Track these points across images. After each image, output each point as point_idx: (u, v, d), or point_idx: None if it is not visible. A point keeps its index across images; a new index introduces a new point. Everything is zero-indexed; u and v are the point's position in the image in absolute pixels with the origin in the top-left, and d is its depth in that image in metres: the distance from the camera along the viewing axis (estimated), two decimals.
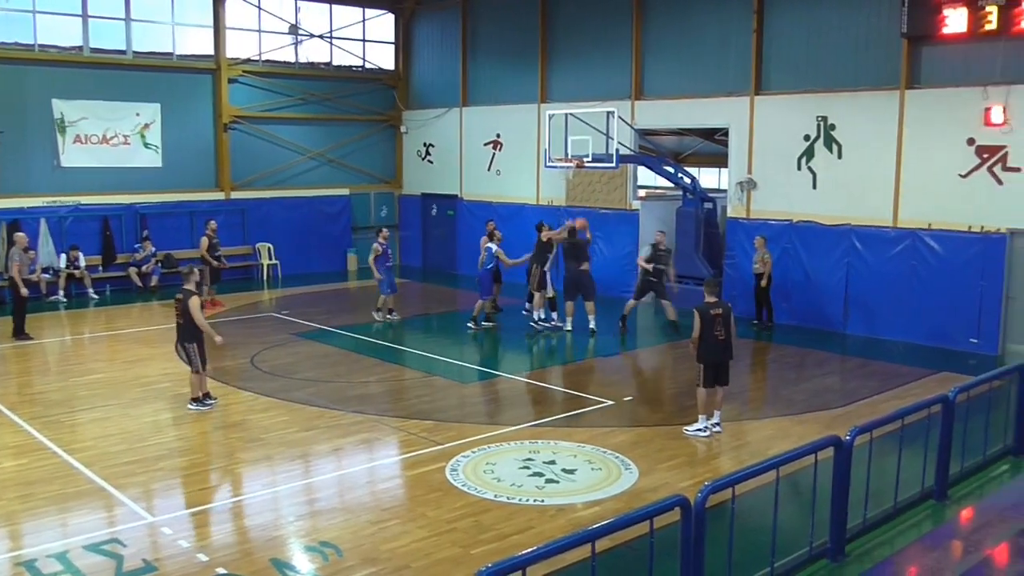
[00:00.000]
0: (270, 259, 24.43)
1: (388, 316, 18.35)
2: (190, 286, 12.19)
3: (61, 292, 20.84)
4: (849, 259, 17.37)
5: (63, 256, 21.13)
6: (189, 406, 12.24)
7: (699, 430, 11.15)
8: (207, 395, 12.44)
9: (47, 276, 20.79)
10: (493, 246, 17.66)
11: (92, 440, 11.08)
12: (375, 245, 18.25)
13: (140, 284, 21.90)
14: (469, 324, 17.53)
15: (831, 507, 7.38)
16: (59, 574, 7.50)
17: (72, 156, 21.87)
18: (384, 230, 18.88)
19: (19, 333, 16.69)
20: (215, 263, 19.63)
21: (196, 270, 12.55)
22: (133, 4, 22.55)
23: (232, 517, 9.00)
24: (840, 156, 17.46)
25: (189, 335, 12.10)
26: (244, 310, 19.88)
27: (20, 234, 17.36)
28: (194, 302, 12.01)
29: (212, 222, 20.06)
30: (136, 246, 22.33)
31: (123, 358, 15.37)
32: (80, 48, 22.02)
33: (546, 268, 17.27)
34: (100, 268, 21.99)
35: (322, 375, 14.19)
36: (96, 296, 21.17)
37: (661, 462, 10.20)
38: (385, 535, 8.25)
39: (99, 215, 22.09)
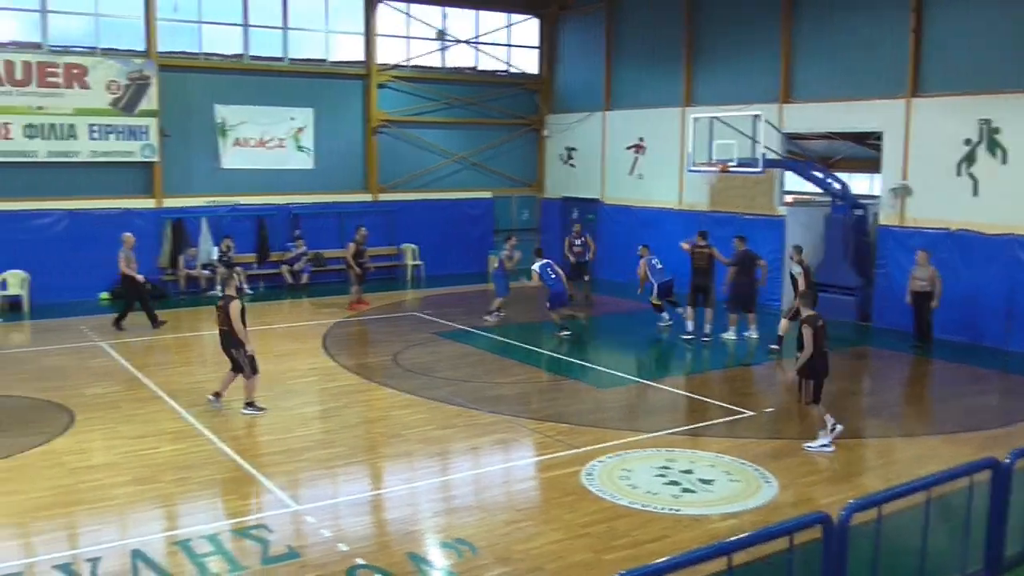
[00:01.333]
0: (414, 260, 24.99)
1: (493, 314, 18.51)
2: (230, 291, 12.25)
3: (219, 288, 21.87)
4: (1013, 271, 16.42)
5: (216, 249, 22.21)
6: (243, 411, 12.11)
7: (823, 446, 10.76)
8: (251, 403, 12.22)
9: (207, 272, 21.93)
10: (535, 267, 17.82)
11: (244, 429, 11.60)
12: (504, 253, 18.95)
13: (291, 281, 22.79)
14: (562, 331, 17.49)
15: (987, 533, 7.00)
16: (210, 555, 7.88)
17: (231, 158, 23.00)
18: (512, 237, 19.24)
19: (154, 322, 17.68)
20: (358, 269, 20.01)
21: (235, 275, 12.65)
22: (290, 13, 23.51)
23: (371, 509, 9.26)
24: (1005, 161, 16.54)
25: (236, 341, 12.05)
26: (388, 309, 20.40)
27: (128, 234, 18.18)
28: (234, 307, 11.91)
29: (363, 229, 20.46)
30: (289, 245, 23.23)
31: (274, 352, 15.99)
32: (241, 56, 23.10)
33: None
34: (255, 265, 22.99)
35: (461, 374, 14.41)
36: (250, 292, 22.12)
37: (802, 476, 9.91)
38: (519, 535, 8.32)
39: (255, 215, 23.12)
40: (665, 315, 17.87)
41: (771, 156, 18.93)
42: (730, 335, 16.91)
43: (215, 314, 12.36)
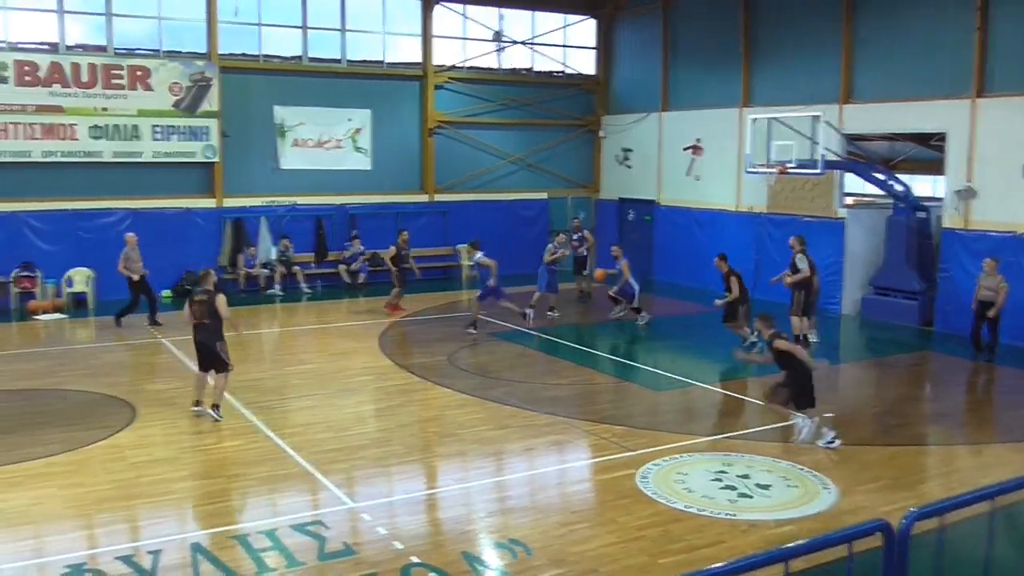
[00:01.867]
0: (469, 260, 25.04)
1: (528, 312, 18.46)
2: (209, 286, 12.07)
3: (277, 286, 22.17)
4: None
5: (275, 248, 22.52)
6: (210, 411, 11.81)
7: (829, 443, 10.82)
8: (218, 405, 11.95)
9: (266, 271, 22.25)
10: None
11: (301, 426, 11.73)
12: (549, 247, 19.33)
13: (349, 281, 23.00)
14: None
15: None
16: (267, 550, 7.99)
17: (290, 159, 23.29)
18: (561, 234, 19.30)
19: (152, 320, 18.09)
20: (395, 269, 19.83)
21: (212, 271, 12.47)
22: (348, 15, 23.75)
23: (426, 508, 9.31)
24: None
25: (220, 335, 11.94)
26: (444, 309, 20.50)
27: (130, 234, 18.62)
28: (222, 299, 11.91)
29: (404, 233, 20.30)
30: (346, 244, 23.46)
31: (331, 350, 16.18)
32: (299, 58, 23.39)
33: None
34: (313, 265, 23.26)
35: (516, 375, 14.42)
36: (309, 291, 22.40)
37: (862, 483, 9.74)
38: (574, 537, 8.30)
39: (313, 214, 23.40)
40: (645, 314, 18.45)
41: (831, 157, 18.66)
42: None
43: (190, 308, 12.00)
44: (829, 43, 20.36)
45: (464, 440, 11.20)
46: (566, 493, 9.66)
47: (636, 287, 18.50)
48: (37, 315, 19.24)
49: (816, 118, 18.08)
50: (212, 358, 12.00)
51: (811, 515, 8.84)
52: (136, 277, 18.05)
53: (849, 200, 21.47)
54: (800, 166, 18.11)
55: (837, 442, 10.75)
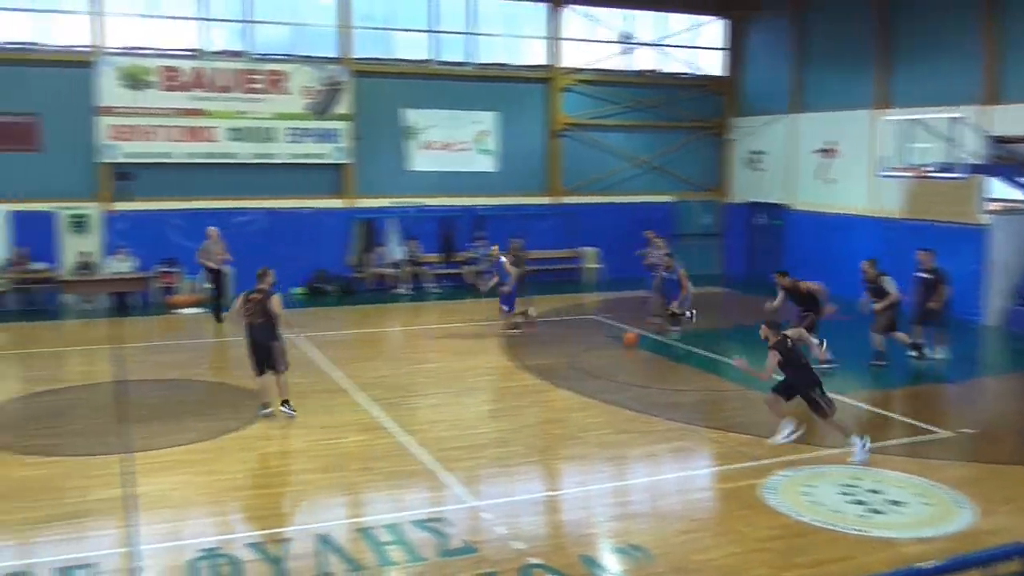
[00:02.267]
0: (594, 263, 25.00)
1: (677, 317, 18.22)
2: (266, 284, 12.02)
3: (405, 286, 22.60)
4: None
5: (402, 248, 22.97)
6: (283, 408, 11.87)
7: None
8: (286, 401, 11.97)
9: (393, 271, 22.73)
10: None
11: (425, 424, 11.91)
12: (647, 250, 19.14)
13: (474, 281, 23.23)
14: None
15: None
16: (391, 544, 8.13)
17: (419, 161, 23.74)
18: (658, 239, 19.05)
19: (218, 316, 18.33)
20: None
21: (270, 270, 12.31)
22: (476, 19, 24.02)
23: (547, 510, 9.32)
24: None
25: (275, 334, 11.85)
26: (567, 311, 20.49)
27: (211, 227, 19.16)
28: (277, 299, 11.90)
29: (517, 241, 20.13)
30: (472, 245, 23.73)
31: (455, 350, 16.37)
32: (428, 61, 23.80)
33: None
34: (439, 265, 23.61)
35: (639, 379, 14.30)
36: (435, 291, 22.75)
37: (1003, 504, 9.25)
38: (695, 546, 8.16)
39: (440, 216, 23.76)
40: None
41: (973, 161, 17.81)
42: (937, 353, 15.84)
43: (244, 306, 11.91)
44: (970, 42, 19.45)
45: (585, 443, 11.17)
46: (688, 500, 9.51)
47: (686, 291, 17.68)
48: (177, 309, 20.16)
49: (957, 120, 17.30)
50: (267, 357, 11.84)
51: (947, 535, 8.45)
52: (213, 266, 18.72)
53: (994, 206, 20.44)
54: (940, 170, 17.37)
55: (794, 436, 10.76)
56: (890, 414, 12.72)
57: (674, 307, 17.75)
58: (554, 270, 24.09)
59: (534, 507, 9.32)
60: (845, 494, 9.39)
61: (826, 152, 23.20)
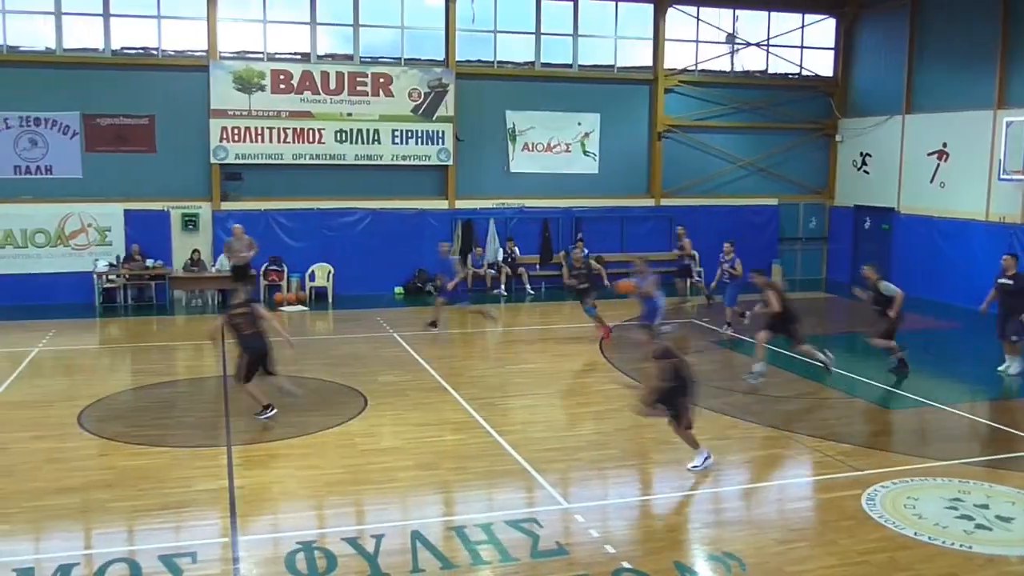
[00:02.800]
0: (695, 267, 24.64)
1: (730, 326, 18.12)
2: (242, 299, 12.24)
3: (503, 287, 22.73)
4: None
5: (501, 249, 23.10)
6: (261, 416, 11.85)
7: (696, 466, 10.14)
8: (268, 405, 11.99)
9: (492, 272, 22.87)
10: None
11: (520, 424, 11.95)
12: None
13: (571, 284, 23.17)
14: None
15: None
16: (483, 543, 8.18)
17: (520, 162, 23.85)
18: (727, 244, 18.64)
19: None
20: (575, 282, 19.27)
21: (244, 286, 12.82)
22: (580, 21, 23.99)
23: (640, 514, 9.23)
24: None
25: (266, 340, 12.03)
26: (668, 314, 20.20)
27: (237, 225, 20.03)
28: (259, 306, 12.12)
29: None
30: (570, 248, 23.67)
31: (552, 351, 16.38)
32: (532, 63, 23.87)
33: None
34: (538, 267, 23.67)
35: (737, 385, 14.05)
36: (532, 292, 22.82)
37: None
38: (791, 556, 7.97)
39: (540, 217, 23.81)
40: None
41: None
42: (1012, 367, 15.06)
43: (230, 322, 11.93)
44: None
45: (681, 448, 10.99)
46: (785, 510, 9.29)
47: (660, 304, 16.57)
48: (282, 306, 20.70)
49: None
50: (266, 362, 12.02)
51: None
52: (236, 262, 19.44)
53: None
54: None
55: (707, 462, 10.15)
56: (1001, 426, 12.18)
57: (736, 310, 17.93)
58: (656, 273, 23.78)
59: (627, 511, 9.25)
60: (951, 508, 9.04)
61: (940, 154, 22.41)
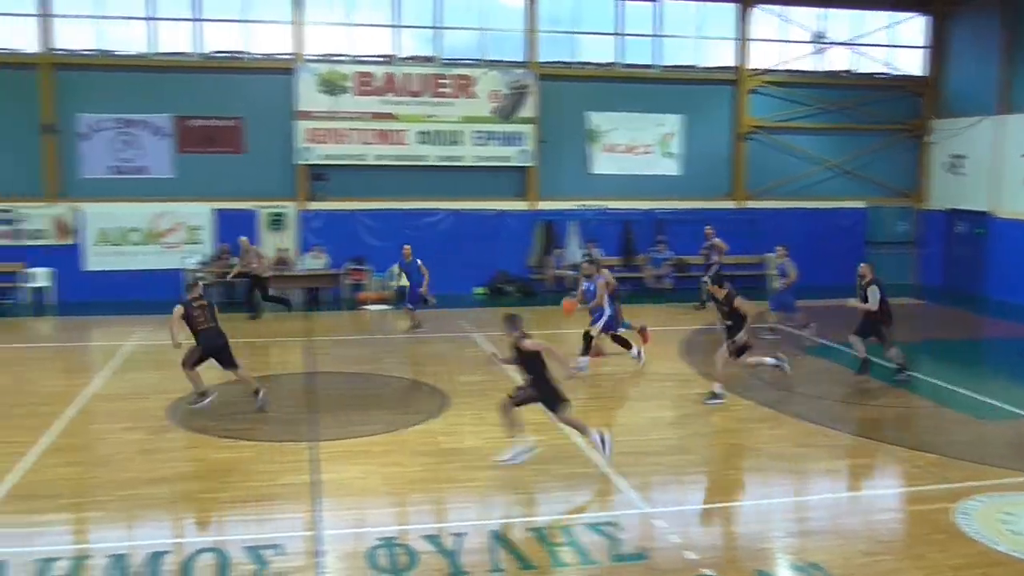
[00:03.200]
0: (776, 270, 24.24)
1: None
2: (198, 294, 12.59)
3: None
4: None
5: (582, 251, 22.99)
6: (260, 395, 12.35)
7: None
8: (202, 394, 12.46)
9: (572, 274, 22.78)
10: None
11: (601, 427, 11.83)
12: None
13: (654, 286, 23.05)
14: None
15: None
16: (563, 545, 8.16)
17: (601, 164, 23.79)
18: (779, 248, 18.21)
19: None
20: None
21: (198, 281, 13.32)
22: (662, 20, 23.80)
23: (722, 521, 9.12)
24: None
25: (223, 333, 12.56)
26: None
27: (243, 238, 20.29)
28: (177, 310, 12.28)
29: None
30: (652, 249, 23.53)
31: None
32: (613, 64, 23.76)
33: None
34: (618, 268, 23.52)
35: (821, 391, 13.77)
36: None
37: None
38: (878, 568, 7.78)
39: (621, 219, 23.70)
40: None
41: None
42: None
43: (186, 317, 12.28)
44: None
45: (763, 455, 10.86)
46: (871, 521, 9.05)
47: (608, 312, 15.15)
48: (365, 305, 20.97)
49: None
50: (227, 356, 12.43)
51: None
52: (247, 271, 19.80)
53: None
54: None
55: (520, 458, 10.06)
56: None
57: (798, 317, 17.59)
58: (736, 276, 23.49)
59: (708, 517, 9.16)
60: None
61: None
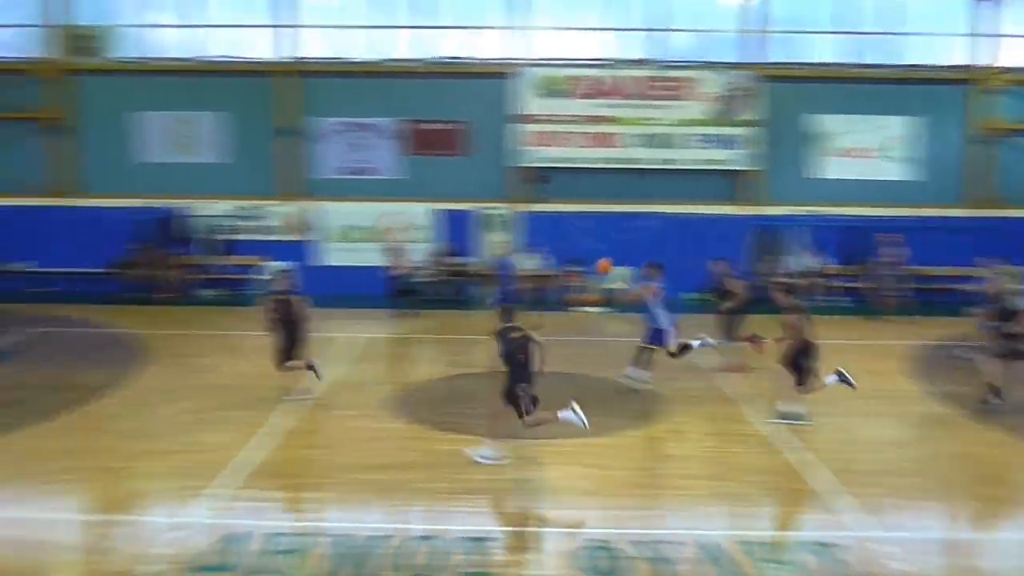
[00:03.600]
0: (1016, 284, 22.41)
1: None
2: (282, 287, 13.01)
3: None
4: None
5: (803, 259, 22.17)
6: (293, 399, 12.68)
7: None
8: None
9: (799, 281, 21.95)
10: None
11: (819, 443, 11.35)
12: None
13: (878, 297, 21.82)
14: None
15: None
16: (778, 563, 7.91)
17: (825, 167, 22.97)
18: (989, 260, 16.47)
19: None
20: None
21: (287, 272, 13.58)
22: (896, 17, 22.62)
23: (952, 552, 8.54)
24: None
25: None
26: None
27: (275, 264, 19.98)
28: (299, 300, 12.80)
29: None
30: (878, 259, 22.29)
31: (856, 368, 15.31)
32: (840, 64, 22.81)
33: None
34: (843, 278, 22.48)
35: None
36: (838, 304, 21.50)
37: None
38: None
39: (846, 226, 22.61)
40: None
41: None
42: None
43: (269, 306, 12.90)
44: None
45: (1003, 483, 10.08)
46: None
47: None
48: (578, 307, 21.12)
49: None
50: (297, 347, 12.96)
51: None
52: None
53: None
54: None
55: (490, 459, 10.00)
56: None
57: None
58: (969, 291, 21.91)
59: (938, 546, 8.58)
60: None
61: None
